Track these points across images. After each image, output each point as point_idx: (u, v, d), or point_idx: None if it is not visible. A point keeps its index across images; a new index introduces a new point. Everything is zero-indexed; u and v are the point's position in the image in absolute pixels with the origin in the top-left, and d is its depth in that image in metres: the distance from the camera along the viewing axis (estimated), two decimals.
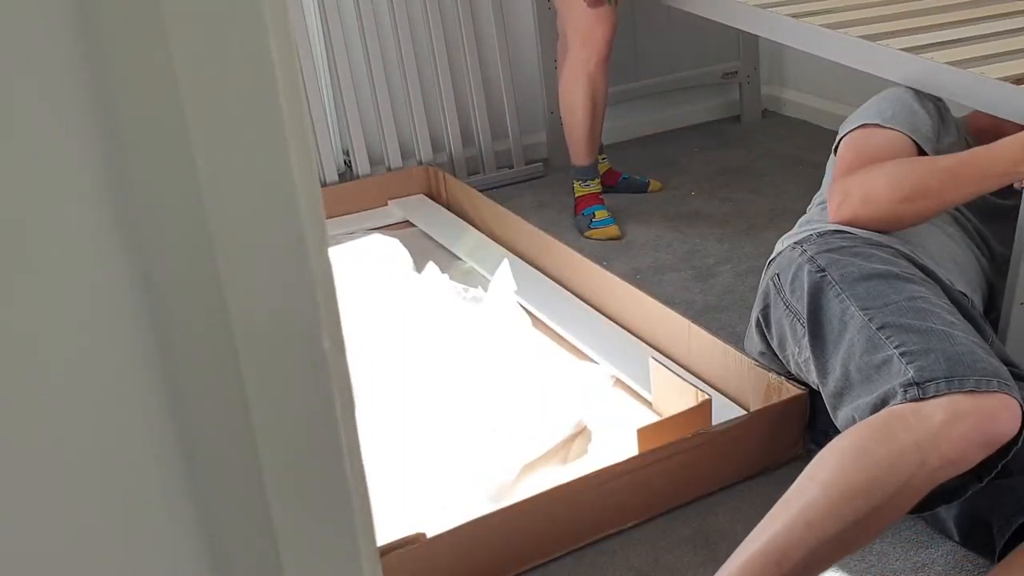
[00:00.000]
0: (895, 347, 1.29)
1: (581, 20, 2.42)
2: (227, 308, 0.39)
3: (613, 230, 2.52)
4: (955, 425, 1.17)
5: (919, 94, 1.69)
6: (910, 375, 1.24)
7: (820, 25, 1.89)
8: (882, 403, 1.26)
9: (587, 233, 2.54)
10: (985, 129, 1.76)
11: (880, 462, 1.16)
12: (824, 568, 1.18)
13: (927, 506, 1.25)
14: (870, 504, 1.15)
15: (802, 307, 1.46)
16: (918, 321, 1.32)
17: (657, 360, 1.71)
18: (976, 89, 1.59)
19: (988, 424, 1.18)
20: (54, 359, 0.38)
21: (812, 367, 1.44)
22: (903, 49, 1.72)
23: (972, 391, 1.19)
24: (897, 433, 1.18)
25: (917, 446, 1.16)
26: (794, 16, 1.96)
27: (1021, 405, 1.20)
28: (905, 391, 1.23)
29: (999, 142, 1.47)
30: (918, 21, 1.89)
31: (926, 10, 1.97)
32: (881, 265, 1.43)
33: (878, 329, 1.33)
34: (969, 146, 1.63)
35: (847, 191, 1.55)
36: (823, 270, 1.45)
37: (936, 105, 1.70)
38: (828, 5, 2.02)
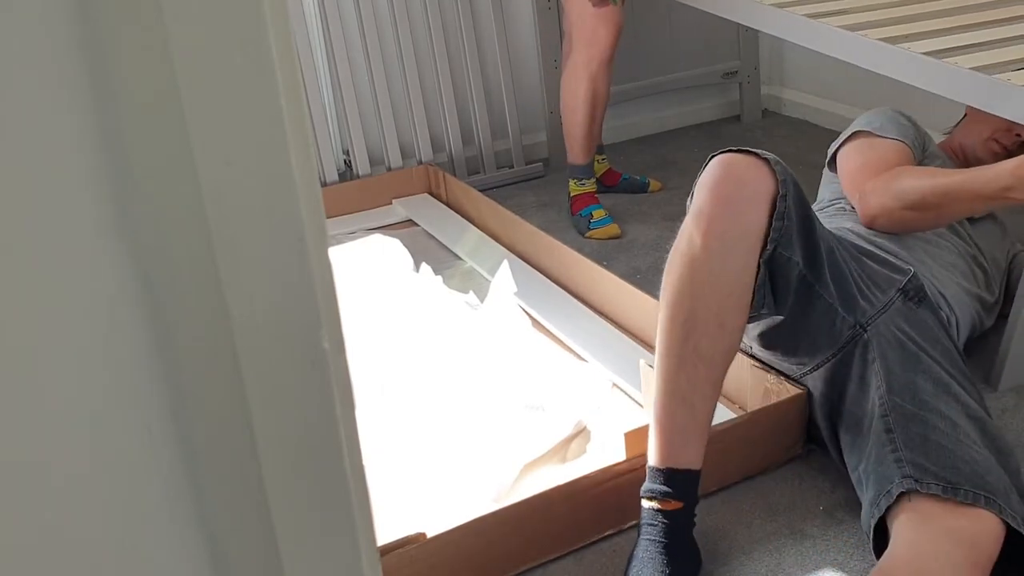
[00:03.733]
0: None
1: (585, 20, 2.42)
2: (227, 308, 0.39)
3: (613, 228, 2.52)
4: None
5: (896, 110, 1.79)
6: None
7: (838, 27, 1.82)
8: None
9: (588, 234, 2.54)
10: (955, 153, 1.81)
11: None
12: None
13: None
14: None
15: None
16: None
17: (649, 364, 1.70)
18: (1002, 96, 1.55)
19: None
20: (54, 359, 0.38)
21: None
22: (925, 53, 1.66)
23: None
24: None
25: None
26: (811, 16, 1.91)
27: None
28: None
29: (994, 165, 1.49)
30: (938, 23, 1.82)
31: (945, 11, 1.90)
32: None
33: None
34: (952, 165, 1.72)
35: (869, 192, 1.64)
36: None
37: (911, 120, 1.79)
38: (844, 5, 1.95)
